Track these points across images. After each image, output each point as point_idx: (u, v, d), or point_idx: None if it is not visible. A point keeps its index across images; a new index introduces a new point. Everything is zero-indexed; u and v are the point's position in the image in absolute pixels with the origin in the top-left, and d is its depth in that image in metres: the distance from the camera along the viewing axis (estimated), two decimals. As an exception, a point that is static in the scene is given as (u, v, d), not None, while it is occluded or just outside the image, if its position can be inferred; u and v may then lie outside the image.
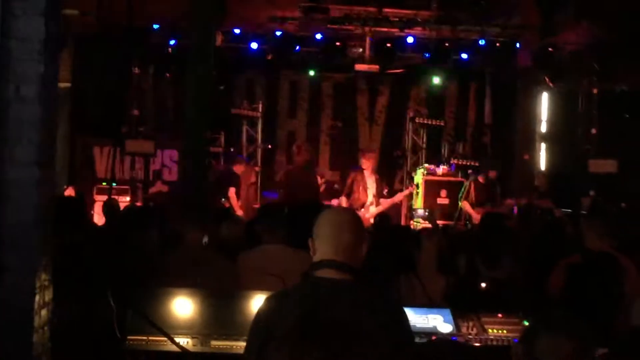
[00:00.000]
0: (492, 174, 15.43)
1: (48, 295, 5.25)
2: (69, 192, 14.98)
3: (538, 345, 3.52)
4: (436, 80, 18.83)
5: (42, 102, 5.05)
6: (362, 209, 14.17)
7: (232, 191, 15.20)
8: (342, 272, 3.83)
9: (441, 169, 17.28)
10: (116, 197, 14.95)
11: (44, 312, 5.16)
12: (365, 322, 3.70)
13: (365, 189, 14.63)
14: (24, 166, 5.00)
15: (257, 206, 16.37)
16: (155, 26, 17.15)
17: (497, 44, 17.34)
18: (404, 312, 3.92)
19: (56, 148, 5.51)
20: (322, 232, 3.95)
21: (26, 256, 4.92)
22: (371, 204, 14.54)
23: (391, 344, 3.73)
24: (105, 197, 14.52)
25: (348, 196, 14.75)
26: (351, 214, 4.16)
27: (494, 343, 6.02)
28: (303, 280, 3.94)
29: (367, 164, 14.88)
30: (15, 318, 4.79)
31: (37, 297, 5.00)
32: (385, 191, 15.18)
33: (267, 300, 3.93)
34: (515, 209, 14.52)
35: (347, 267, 3.84)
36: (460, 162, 18.01)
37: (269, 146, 19.12)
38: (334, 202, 14.87)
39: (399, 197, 15.83)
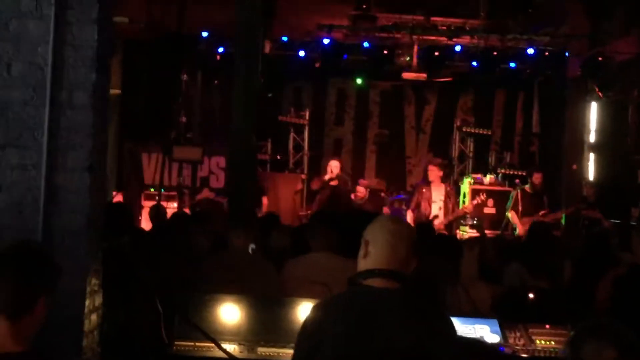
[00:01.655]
0: (537, 178, 15.30)
1: (98, 300, 5.31)
2: (117, 198, 15.11)
3: (583, 351, 3.51)
4: (484, 89, 18.72)
5: (94, 109, 5.11)
6: None
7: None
8: (393, 281, 3.82)
9: (488, 179, 17.20)
10: (163, 203, 15.03)
11: (93, 316, 5.22)
12: (414, 332, 3.70)
13: (429, 203, 14.58)
14: (76, 172, 5.06)
15: (302, 214, 16.41)
16: (204, 34, 17.26)
17: (546, 53, 17.25)
18: (452, 322, 3.91)
19: (107, 154, 5.58)
20: (377, 239, 3.92)
21: (77, 261, 4.98)
22: (435, 217, 14.40)
23: (439, 354, 3.72)
24: (152, 203, 14.60)
25: (414, 211, 14.73)
26: (407, 226, 4.17)
27: (542, 354, 5.98)
28: (351, 288, 3.93)
29: (433, 176, 14.84)
30: (66, 322, 4.84)
31: (87, 302, 5.06)
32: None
33: (315, 308, 3.93)
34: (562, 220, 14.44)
35: (398, 276, 3.84)
36: (507, 172, 17.93)
37: (315, 154, 19.15)
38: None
39: (461, 211, 15.62)
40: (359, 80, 18.84)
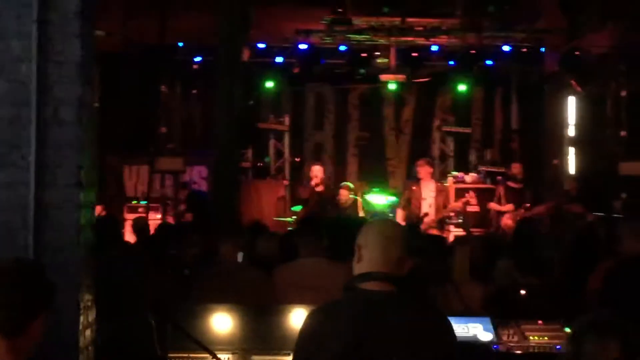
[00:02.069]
0: (516, 168, 15.40)
1: (91, 315, 5.30)
2: (98, 211, 15.03)
3: (586, 346, 3.51)
4: (462, 87, 18.75)
5: (80, 124, 5.11)
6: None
7: None
8: (388, 284, 3.83)
9: (470, 177, 17.26)
10: (146, 214, 15.01)
11: (88, 332, 5.21)
12: (413, 334, 3.71)
13: (420, 201, 14.58)
14: (65, 188, 5.05)
15: (287, 219, 16.40)
16: (180, 44, 17.24)
17: (523, 49, 17.29)
18: (450, 323, 3.92)
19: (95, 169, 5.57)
20: (370, 242, 3.92)
21: (69, 277, 4.97)
22: (426, 215, 14.40)
23: (438, 355, 3.73)
24: (135, 216, 14.57)
25: (404, 209, 14.73)
26: (400, 227, 4.18)
27: (536, 351, 6.01)
28: (347, 292, 3.93)
29: (423, 173, 14.85)
30: (61, 339, 4.83)
31: (81, 318, 5.05)
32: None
33: (312, 314, 3.92)
34: (546, 215, 14.48)
35: (393, 279, 3.84)
36: (488, 169, 17.99)
37: (297, 159, 19.13)
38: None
39: (453, 207, 15.60)
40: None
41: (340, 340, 3.69)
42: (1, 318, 3.46)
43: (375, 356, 3.67)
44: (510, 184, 15.34)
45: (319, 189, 15.01)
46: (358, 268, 3.93)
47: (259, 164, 18.64)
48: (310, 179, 15.43)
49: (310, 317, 3.90)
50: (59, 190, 5.04)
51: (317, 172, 15.26)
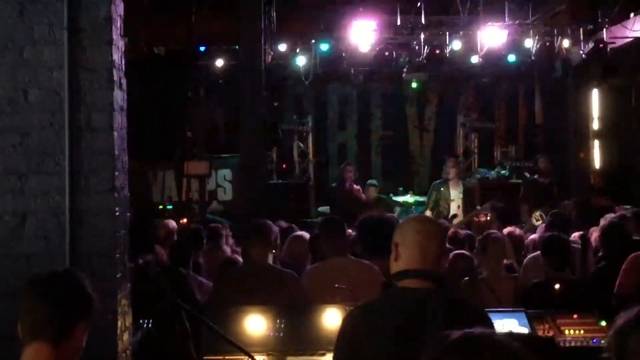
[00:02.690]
0: (544, 162, 15.31)
1: (128, 320, 5.32)
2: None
3: (632, 343, 3.47)
4: (485, 84, 18.69)
5: (112, 130, 5.13)
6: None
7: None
8: (428, 281, 3.82)
9: (495, 172, 17.20)
10: (178, 219, 15.04)
11: (125, 336, 5.23)
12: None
13: (447, 202, 14.52)
14: (99, 194, 5.08)
15: (313, 220, 16.39)
16: (202, 48, 17.25)
17: (546, 44, 17.19)
18: (490, 320, 3.90)
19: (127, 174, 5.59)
20: (407, 240, 3.90)
21: (106, 283, 4.99)
22: (455, 216, 14.34)
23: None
24: (161, 221, 14.58)
25: (432, 210, 14.68)
26: (437, 224, 4.17)
27: (572, 344, 5.99)
28: (386, 290, 3.92)
29: (452, 173, 14.80)
30: (100, 344, 4.82)
31: (119, 322, 5.07)
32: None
33: (351, 314, 3.92)
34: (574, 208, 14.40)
35: (432, 275, 3.83)
36: (513, 165, 17.92)
37: (321, 160, 19.12)
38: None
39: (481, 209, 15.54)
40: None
41: (380, 339, 3.68)
42: (44, 326, 3.50)
43: (416, 354, 3.66)
44: (540, 178, 15.24)
45: (352, 188, 15.08)
46: (396, 266, 3.91)
47: (283, 166, 18.63)
48: (343, 179, 15.47)
49: (349, 317, 3.90)
50: (93, 197, 5.07)
51: (350, 172, 15.35)
